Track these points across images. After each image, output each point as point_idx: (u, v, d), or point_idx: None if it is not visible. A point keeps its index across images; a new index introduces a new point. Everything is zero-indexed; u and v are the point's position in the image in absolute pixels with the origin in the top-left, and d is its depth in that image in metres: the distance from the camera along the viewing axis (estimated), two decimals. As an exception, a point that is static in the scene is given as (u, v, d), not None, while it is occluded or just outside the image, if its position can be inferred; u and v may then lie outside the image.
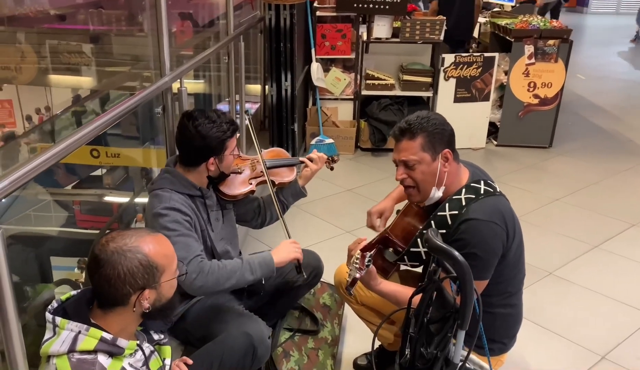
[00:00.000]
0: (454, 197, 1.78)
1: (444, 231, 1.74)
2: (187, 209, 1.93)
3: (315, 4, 4.79)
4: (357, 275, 1.72)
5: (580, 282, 3.16)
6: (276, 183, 2.28)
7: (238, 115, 3.57)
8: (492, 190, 1.80)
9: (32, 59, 3.45)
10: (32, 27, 3.53)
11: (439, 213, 1.78)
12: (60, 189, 3.20)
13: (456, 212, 1.74)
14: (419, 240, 1.84)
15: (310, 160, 2.31)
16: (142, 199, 3.02)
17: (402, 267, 2.16)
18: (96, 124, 1.63)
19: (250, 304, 2.22)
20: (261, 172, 2.24)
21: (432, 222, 1.78)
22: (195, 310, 2.05)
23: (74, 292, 1.41)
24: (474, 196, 1.76)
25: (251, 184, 2.19)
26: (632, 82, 8.41)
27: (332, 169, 2.45)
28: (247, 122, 2.43)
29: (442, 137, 1.78)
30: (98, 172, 3.36)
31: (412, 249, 1.87)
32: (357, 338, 2.62)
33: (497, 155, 5.19)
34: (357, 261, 1.73)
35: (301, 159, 2.33)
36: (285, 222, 2.18)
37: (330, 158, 2.40)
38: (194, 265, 1.83)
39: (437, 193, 1.81)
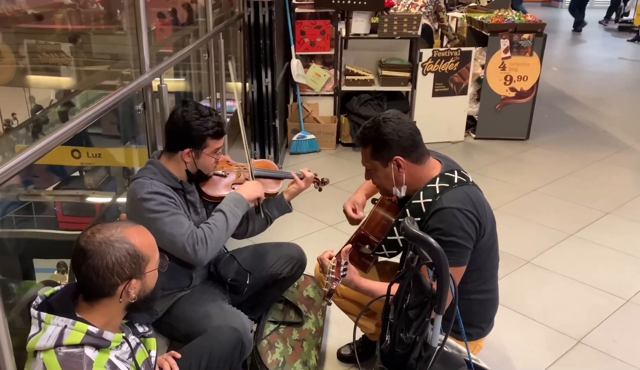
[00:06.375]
0: (428, 185, 1.83)
1: (419, 219, 1.79)
2: (170, 192, 1.96)
3: (294, 1, 4.82)
4: (334, 287, 1.72)
5: (557, 270, 3.24)
6: None
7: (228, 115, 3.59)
8: (465, 179, 1.85)
9: (9, 59, 3.43)
10: (9, 27, 3.51)
11: (413, 201, 1.83)
12: (42, 191, 3.19)
13: (430, 200, 1.79)
14: (395, 228, 1.90)
15: (300, 177, 2.33)
16: (125, 199, 3.02)
17: (380, 260, 2.21)
18: (74, 123, 1.63)
19: (234, 298, 2.25)
20: (246, 179, 2.25)
21: (407, 210, 1.83)
22: (179, 305, 2.08)
23: (57, 288, 1.43)
24: (447, 185, 1.81)
25: (234, 189, 2.21)
26: (605, 74, 8.57)
27: (320, 190, 2.44)
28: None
29: (390, 146, 1.81)
30: (79, 173, 3.35)
31: (389, 238, 1.92)
32: (341, 329, 2.66)
33: (476, 148, 5.27)
34: (333, 271, 1.73)
35: (291, 173, 2.35)
36: (250, 161, 2.27)
37: (319, 179, 2.41)
38: (192, 238, 1.88)
39: (399, 193, 1.89)
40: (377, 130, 1.82)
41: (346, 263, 1.75)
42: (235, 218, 2.03)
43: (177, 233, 1.86)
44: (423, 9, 5.32)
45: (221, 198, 2.19)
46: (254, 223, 2.35)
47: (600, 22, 11.42)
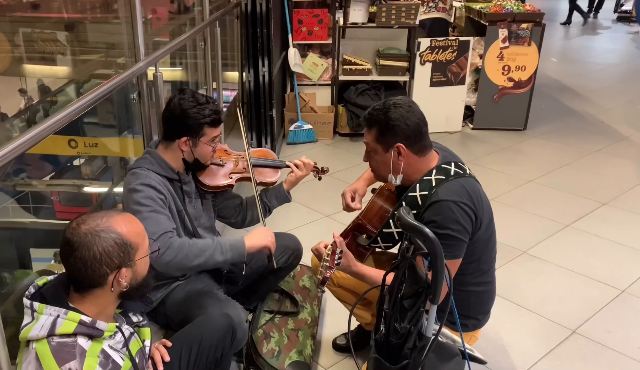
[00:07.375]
0: (424, 177, 1.82)
1: (415, 211, 1.78)
2: (163, 188, 1.94)
3: (291, -11, 4.79)
4: (328, 274, 1.72)
5: (553, 260, 3.24)
6: (257, 181, 2.27)
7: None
8: (462, 172, 1.84)
9: (5, 48, 3.40)
10: (4, 16, 3.48)
11: (409, 194, 1.82)
12: (39, 180, 3.17)
13: (426, 192, 1.79)
14: (391, 221, 1.89)
15: (296, 165, 2.30)
16: (122, 189, 3.01)
17: (377, 250, 2.21)
18: (67, 111, 1.62)
19: (230, 289, 2.25)
20: (243, 168, 2.23)
21: (403, 202, 1.83)
22: (174, 295, 2.07)
23: (50, 277, 1.42)
24: (444, 177, 1.80)
25: (231, 177, 2.20)
26: (604, 65, 8.56)
27: (319, 179, 2.40)
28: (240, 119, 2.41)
29: (395, 132, 1.80)
30: (77, 162, 3.34)
31: (384, 230, 1.91)
32: (336, 319, 2.67)
33: (473, 138, 5.26)
34: (328, 259, 1.73)
35: (287, 163, 2.32)
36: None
37: (319, 168, 2.38)
38: (163, 240, 1.83)
39: (394, 180, 1.87)
40: (386, 114, 1.81)
41: (341, 251, 1.75)
42: (220, 255, 1.91)
43: (150, 230, 1.78)
44: (431, 4, 5.28)
45: (218, 187, 2.18)
46: (252, 212, 2.34)
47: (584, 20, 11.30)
